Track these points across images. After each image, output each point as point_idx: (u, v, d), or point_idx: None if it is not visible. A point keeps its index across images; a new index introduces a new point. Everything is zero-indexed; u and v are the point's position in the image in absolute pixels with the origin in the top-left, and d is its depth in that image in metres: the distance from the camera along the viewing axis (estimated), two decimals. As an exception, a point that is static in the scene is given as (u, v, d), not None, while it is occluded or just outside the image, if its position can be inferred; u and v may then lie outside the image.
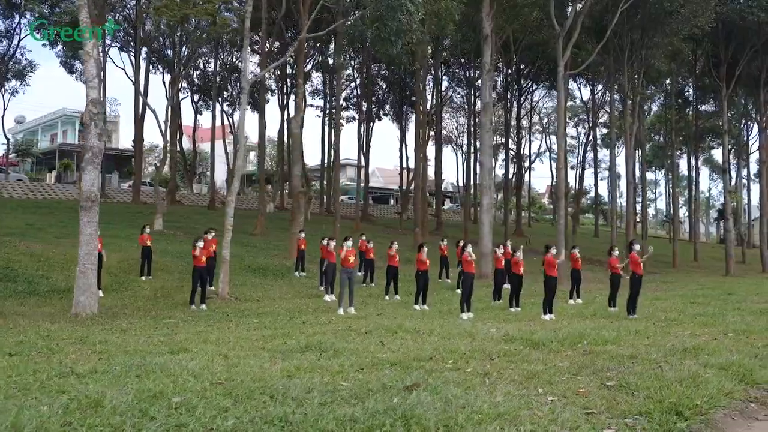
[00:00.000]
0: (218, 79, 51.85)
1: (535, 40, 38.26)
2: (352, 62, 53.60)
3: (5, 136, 48.73)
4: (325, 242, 17.02)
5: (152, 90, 48.25)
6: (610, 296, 15.96)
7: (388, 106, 58.05)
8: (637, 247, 14.75)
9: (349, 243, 15.42)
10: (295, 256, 22.09)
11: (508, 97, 53.35)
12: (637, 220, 70.54)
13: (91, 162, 12.88)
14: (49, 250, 18.84)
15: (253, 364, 7.55)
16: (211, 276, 17.39)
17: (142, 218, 33.29)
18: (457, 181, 70.18)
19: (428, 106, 53.85)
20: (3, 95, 44.69)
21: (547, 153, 70.40)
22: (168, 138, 37.37)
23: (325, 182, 57.19)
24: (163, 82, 51.40)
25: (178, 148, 57.18)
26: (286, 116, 51.48)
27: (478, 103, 64.91)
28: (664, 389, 6.27)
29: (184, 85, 53.38)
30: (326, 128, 54.06)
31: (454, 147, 74.24)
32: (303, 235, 21.73)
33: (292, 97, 47.87)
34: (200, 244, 15.24)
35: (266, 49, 33.82)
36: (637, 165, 51.94)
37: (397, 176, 61.61)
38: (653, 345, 9.39)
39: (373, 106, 55.25)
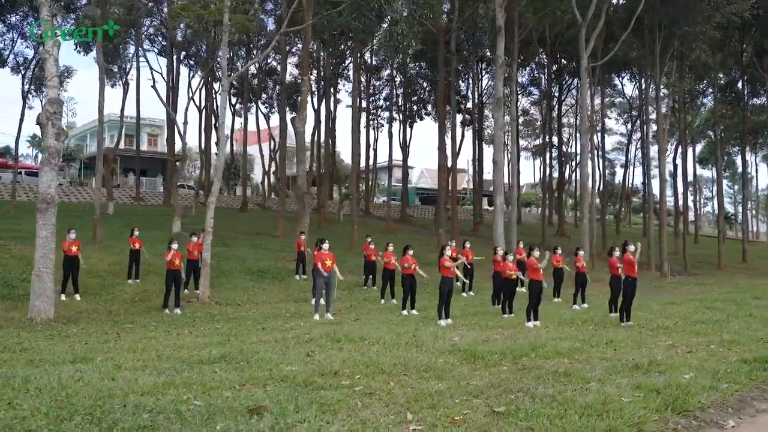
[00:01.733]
0: (256, 82, 51.93)
1: (573, 35, 36.80)
2: (392, 62, 53.11)
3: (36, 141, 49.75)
4: (325, 246, 15.71)
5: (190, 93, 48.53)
6: (610, 300, 14.80)
7: (429, 105, 57.10)
8: (631, 247, 13.51)
9: (326, 246, 14.64)
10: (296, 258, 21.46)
11: (552, 93, 51.71)
12: (690, 219, 67.83)
13: (47, 163, 12.51)
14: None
15: (130, 377, 6.90)
16: (197, 279, 16.96)
17: (167, 221, 33.47)
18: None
19: (470, 105, 53.62)
20: (42, 101, 45.56)
21: (595, 151, 68.14)
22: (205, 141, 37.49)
23: (369, 183, 56.84)
24: (189, 86, 51.84)
25: (215, 151, 57.85)
26: (324, 117, 51.70)
27: (523, 100, 64.26)
28: (558, 419, 5.33)
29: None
30: (371, 130, 53.63)
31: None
32: (304, 236, 21.10)
33: (316, 99, 47.66)
34: (174, 246, 14.76)
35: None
36: (689, 162, 49.75)
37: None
38: (610, 359, 8.36)
39: (414, 106, 54.44)
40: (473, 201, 51.40)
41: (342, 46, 49.11)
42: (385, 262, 17.83)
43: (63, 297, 15.35)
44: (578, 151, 55.32)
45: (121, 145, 64.85)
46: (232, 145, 58.15)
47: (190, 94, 50.44)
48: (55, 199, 12.65)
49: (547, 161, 55.89)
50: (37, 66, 42.96)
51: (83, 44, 40.70)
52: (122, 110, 42.25)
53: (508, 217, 27.06)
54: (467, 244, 20.49)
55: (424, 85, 55.11)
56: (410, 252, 15.49)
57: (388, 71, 54.52)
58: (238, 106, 56.40)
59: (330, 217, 45.64)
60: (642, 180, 63.18)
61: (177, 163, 41.96)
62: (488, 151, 56.85)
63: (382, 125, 59.28)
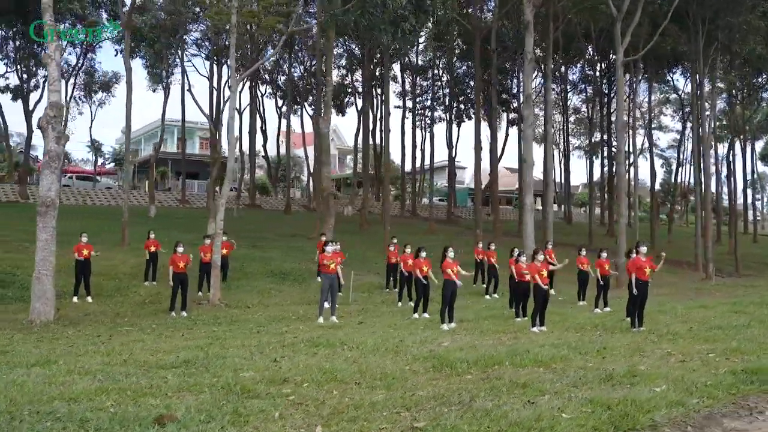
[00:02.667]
0: (302, 84, 52.24)
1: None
2: (438, 62, 52.71)
3: (93, 146, 51.28)
4: (329, 248, 15.39)
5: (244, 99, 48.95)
6: (627, 305, 14.17)
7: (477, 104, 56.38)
8: (643, 249, 12.81)
9: (330, 248, 14.40)
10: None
11: (603, 90, 50.35)
12: (750, 218, 64.98)
13: (47, 166, 12.66)
14: (62, 256, 18.80)
15: (70, 382, 6.81)
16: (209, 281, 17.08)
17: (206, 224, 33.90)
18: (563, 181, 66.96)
19: (517, 104, 52.67)
20: (91, 106, 46.97)
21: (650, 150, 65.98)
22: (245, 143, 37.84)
23: (415, 184, 56.54)
24: (224, 87, 52.33)
25: (263, 153, 58.48)
26: (373, 119, 51.88)
27: (575, 99, 62.83)
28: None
29: (269, 90, 54.13)
30: (418, 131, 53.31)
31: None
32: (324, 238, 20.91)
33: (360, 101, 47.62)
34: (180, 249, 14.77)
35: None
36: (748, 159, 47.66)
37: (504, 177, 59.96)
38: (589, 369, 7.84)
39: (461, 105, 53.83)
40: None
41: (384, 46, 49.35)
42: (404, 264, 17.49)
43: (75, 299, 15.57)
44: (630, 149, 54.04)
45: (174, 149, 66.47)
46: (278, 145, 58.61)
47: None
48: (55, 203, 12.78)
49: (599, 160, 54.48)
50: (84, 72, 44.43)
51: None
52: (163, 114, 42.90)
53: (553, 216, 26.48)
54: (492, 246, 19.99)
55: (472, 84, 54.54)
56: (423, 254, 15.04)
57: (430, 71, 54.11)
58: (284, 109, 56.91)
59: (373, 218, 45.44)
60: (695, 178, 60.93)
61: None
62: (538, 151, 55.66)
63: (430, 125, 58.92)
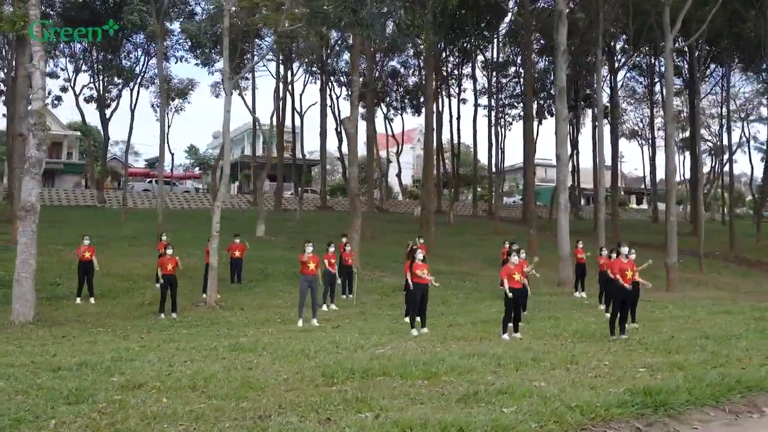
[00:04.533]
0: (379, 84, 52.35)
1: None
2: (516, 58, 51.55)
3: (170, 152, 53.39)
4: (309, 249, 15.09)
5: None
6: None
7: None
8: (624, 249, 11.77)
9: (310, 249, 14.15)
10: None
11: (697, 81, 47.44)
12: None
13: (28, 172, 13.13)
14: (104, 258, 19.44)
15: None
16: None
17: (273, 225, 34.53)
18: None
19: (605, 99, 50.60)
20: (168, 113, 48.86)
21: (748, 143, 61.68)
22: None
23: (491, 183, 55.46)
24: (281, 88, 52.87)
25: (337, 155, 58.96)
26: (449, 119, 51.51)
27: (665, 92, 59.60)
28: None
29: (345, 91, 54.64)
30: (500, 128, 52.32)
31: (640, 141, 68.27)
32: (345, 239, 20.69)
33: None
34: (169, 251, 14.98)
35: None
36: None
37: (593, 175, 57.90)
38: (473, 383, 7.20)
39: (542, 102, 52.35)
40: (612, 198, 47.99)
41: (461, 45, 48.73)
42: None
43: (78, 301, 16.10)
44: (726, 143, 50.55)
45: (260, 152, 68.30)
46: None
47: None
48: (35, 207, 13.23)
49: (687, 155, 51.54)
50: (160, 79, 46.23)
51: (203, 58, 43.26)
52: (257, 118, 44.07)
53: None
54: (579, 244, 19.16)
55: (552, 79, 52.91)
56: (419, 256, 14.45)
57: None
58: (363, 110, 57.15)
59: (443, 219, 44.89)
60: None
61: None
62: (627, 147, 53.29)
63: (510, 123, 57.73)
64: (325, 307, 16.39)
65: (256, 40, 40.18)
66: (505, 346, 10.21)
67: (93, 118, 70.21)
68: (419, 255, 12.75)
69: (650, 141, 59.96)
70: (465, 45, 49.09)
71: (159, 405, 6.07)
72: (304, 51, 45.34)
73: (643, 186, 76.95)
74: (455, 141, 55.86)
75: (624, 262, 11.68)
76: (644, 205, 75.80)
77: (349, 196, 24.73)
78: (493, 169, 52.99)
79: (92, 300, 16.21)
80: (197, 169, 62.57)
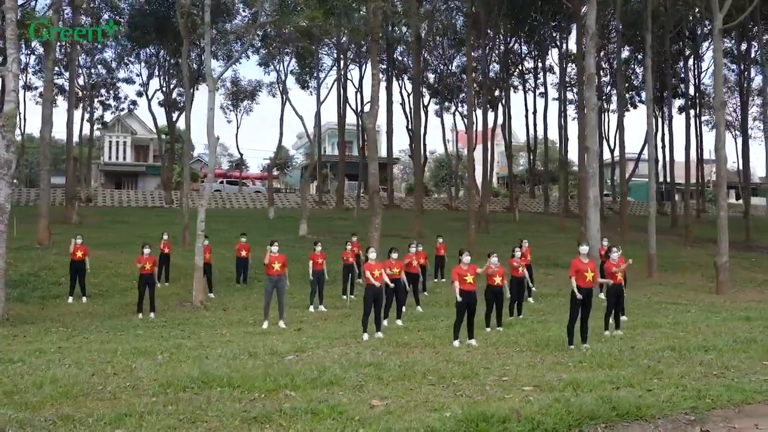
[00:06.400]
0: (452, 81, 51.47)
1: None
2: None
3: (239, 152, 54.36)
4: (274, 248, 14.38)
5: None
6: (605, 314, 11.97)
7: (644, 92, 51.60)
8: (615, 255, 10.54)
9: (275, 248, 13.61)
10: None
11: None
12: None
13: (-4, 173, 13.31)
14: (120, 258, 19.73)
15: None
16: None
17: (319, 224, 34.48)
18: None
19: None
20: (237, 115, 49.86)
21: None
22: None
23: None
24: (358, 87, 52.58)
25: (409, 153, 58.29)
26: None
27: (757, 79, 55.01)
28: None
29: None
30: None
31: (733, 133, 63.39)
32: (355, 238, 20.02)
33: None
34: (147, 250, 14.84)
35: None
36: None
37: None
38: (319, 400, 6.46)
39: (627, 93, 49.66)
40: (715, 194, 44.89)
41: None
42: (406, 263, 16.08)
43: (70, 300, 16.28)
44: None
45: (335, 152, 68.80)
46: (424, 144, 57.96)
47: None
48: (4, 208, 13.39)
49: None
50: (231, 81, 47.39)
51: (265, 62, 43.94)
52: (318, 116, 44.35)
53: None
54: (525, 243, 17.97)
55: (637, 70, 50.13)
56: (394, 255, 13.72)
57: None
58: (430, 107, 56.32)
59: (498, 216, 43.47)
60: None
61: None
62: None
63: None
64: (312, 309, 15.87)
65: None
66: (435, 357, 9.32)
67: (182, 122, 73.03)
68: (371, 254, 11.96)
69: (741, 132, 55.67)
70: (543, 36, 47.48)
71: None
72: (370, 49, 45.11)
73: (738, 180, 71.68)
74: (533, 136, 53.86)
75: (584, 263, 10.45)
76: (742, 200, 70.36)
77: (368, 194, 24.01)
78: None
79: (84, 299, 16.37)
80: (275, 169, 63.50)
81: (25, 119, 45.08)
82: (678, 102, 51.06)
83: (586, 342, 10.31)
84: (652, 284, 21.93)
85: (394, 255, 13.60)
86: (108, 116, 49.40)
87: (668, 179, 46.23)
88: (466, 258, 11.08)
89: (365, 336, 11.52)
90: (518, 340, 11.05)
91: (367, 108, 34.24)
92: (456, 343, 10.71)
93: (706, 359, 8.67)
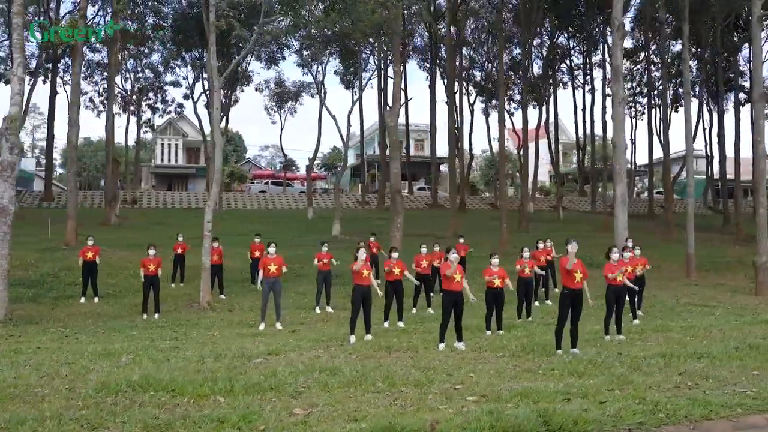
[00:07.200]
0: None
1: None
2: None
3: (282, 153, 54.66)
4: (271, 250, 14.12)
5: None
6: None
7: (698, 87, 49.68)
8: (615, 256, 10.00)
9: (272, 249, 13.43)
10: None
11: None
12: None
13: (0, 175, 13.51)
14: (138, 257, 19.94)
15: None
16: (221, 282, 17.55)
17: (354, 224, 34.27)
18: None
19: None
20: (282, 116, 50.18)
21: None
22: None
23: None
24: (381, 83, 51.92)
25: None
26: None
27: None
28: None
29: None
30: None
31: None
32: (373, 238, 19.75)
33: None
34: (152, 251, 14.87)
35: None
36: None
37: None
38: (180, 405, 6.21)
39: (679, 89, 47.95)
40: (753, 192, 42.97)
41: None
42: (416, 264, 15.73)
43: (83, 300, 16.49)
44: None
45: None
46: (469, 142, 57.25)
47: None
48: (8, 209, 13.61)
49: None
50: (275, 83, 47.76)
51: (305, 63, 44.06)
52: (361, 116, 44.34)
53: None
54: (540, 245, 17.35)
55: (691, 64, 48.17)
56: (395, 255, 13.40)
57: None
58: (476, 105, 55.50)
59: (568, 216, 42.51)
60: None
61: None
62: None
63: (643, 113, 53.77)
64: (318, 309, 15.65)
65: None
66: (408, 362, 8.94)
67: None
68: (361, 254, 11.61)
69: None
70: (592, 32, 46.24)
71: None
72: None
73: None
74: (583, 133, 52.51)
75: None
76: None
77: (390, 193, 23.64)
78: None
79: (96, 300, 16.56)
80: (323, 169, 63.83)
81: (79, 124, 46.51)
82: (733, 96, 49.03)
83: (575, 347, 9.74)
84: (688, 285, 20.91)
85: (395, 255, 13.29)
86: (158, 120, 50.61)
87: (723, 176, 44.36)
88: (453, 255, 10.66)
89: (352, 338, 11.22)
90: (508, 344, 10.53)
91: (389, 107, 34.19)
92: (441, 346, 10.28)
93: (692, 368, 8.04)
